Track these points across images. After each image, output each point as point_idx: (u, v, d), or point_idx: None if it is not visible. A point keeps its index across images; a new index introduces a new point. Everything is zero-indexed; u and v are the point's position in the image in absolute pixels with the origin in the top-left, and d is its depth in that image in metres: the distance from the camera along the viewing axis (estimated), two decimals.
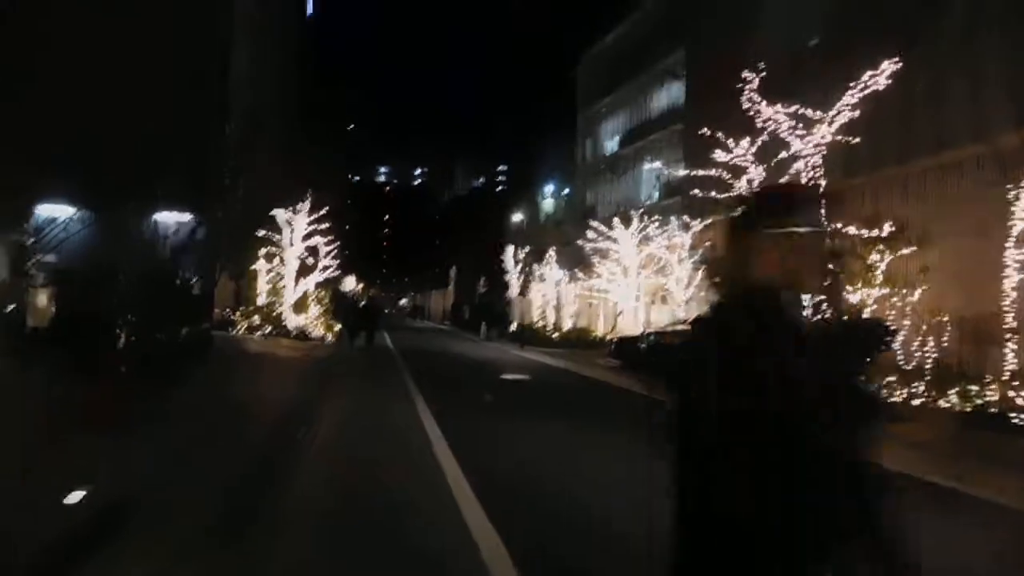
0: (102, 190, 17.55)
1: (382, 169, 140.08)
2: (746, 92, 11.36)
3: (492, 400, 11.62)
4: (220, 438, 6.35)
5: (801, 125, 11.20)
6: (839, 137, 11.06)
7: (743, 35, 18.59)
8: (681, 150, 28.84)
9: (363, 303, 27.14)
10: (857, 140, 11.03)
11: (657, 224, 26.93)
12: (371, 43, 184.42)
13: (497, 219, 60.06)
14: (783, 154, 11.44)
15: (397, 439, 7.39)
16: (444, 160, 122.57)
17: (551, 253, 36.01)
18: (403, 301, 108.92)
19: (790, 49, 16.56)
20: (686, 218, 25.06)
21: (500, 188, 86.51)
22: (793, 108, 11.17)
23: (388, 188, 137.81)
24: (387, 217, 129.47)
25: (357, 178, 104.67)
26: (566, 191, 48.97)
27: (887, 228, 12.23)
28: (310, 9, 50.64)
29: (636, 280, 27.63)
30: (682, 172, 13.85)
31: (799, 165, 11.44)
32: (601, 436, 8.43)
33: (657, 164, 34.86)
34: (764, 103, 11.26)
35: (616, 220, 27.81)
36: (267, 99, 29.47)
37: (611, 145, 41.32)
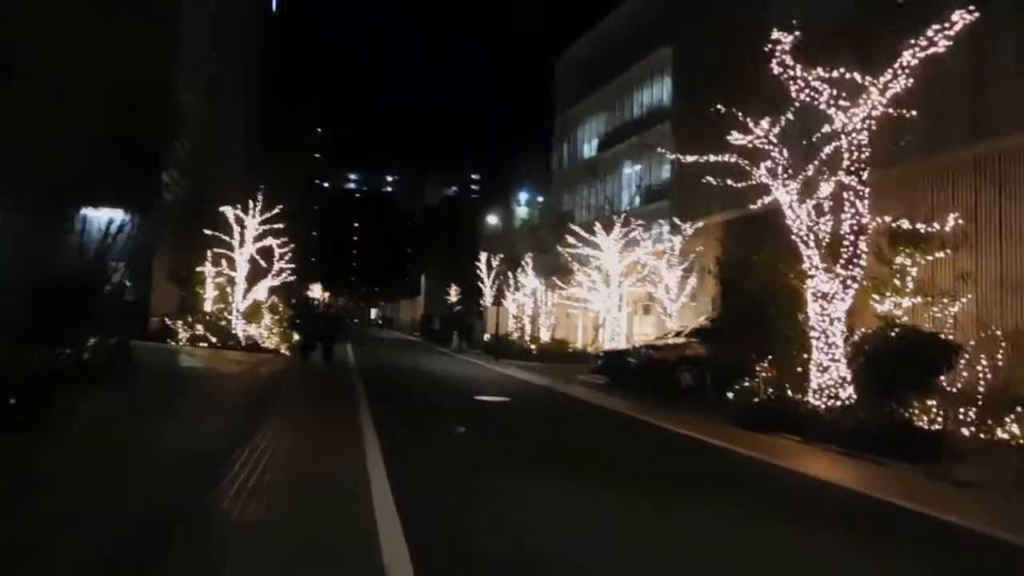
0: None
1: (352, 176, 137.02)
2: (777, 55, 9.32)
3: (465, 434, 9.37)
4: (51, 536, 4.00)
5: (844, 95, 9.18)
6: (891, 110, 9.06)
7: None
8: (667, 150, 26.97)
9: (321, 312, 24.90)
10: (913, 113, 9.04)
11: (642, 229, 25.13)
12: (341, 46, 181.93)
13: (470, 226, 58.04)
14: (826, 128, 9.41)
15: (331, 519, 5.09)
16: (416, 167, 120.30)
17: (527, 260, 34.03)
18: (373, 312, 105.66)
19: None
20: (676, 220, 23.21)
21: (474, 196, 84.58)
22: (836, 73, 9.13)
23: (358, 195, 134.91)
24: (356, 225, 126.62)
25: (326, 184, 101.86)
26: (540, 198, 47.06)
27: (949, 221, 10.26)
28: (275, 4, 48.41)
29: (619, 289, 25.66)
30: (688, 159, 11.72)
31: (839, 144, 9.45)
32: (616, 495, 6.32)
33: (639, 167, 33.23)
34: (799, 68, 9.21)
35: (597, 225, 25.78)
36: (219, 95, 27.09)
37: (589, 149, 39.59)
